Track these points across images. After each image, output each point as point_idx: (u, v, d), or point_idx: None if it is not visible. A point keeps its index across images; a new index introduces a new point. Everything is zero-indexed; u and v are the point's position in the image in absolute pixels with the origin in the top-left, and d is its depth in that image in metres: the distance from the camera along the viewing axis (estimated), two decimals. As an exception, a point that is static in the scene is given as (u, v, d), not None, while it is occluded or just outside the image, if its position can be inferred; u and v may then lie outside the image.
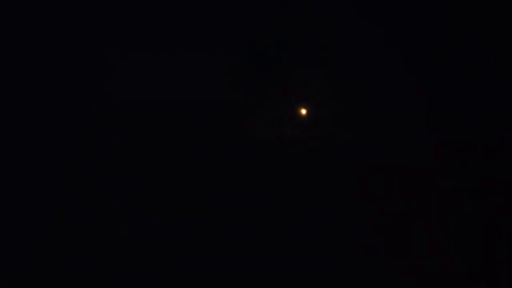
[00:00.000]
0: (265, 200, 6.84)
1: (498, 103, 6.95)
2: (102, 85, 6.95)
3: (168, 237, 6.75)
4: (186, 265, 6.71)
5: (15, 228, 6.70)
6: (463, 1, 6.95)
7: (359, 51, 7.01)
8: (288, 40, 7.01)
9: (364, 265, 6.76)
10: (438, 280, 6.72)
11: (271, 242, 6.79)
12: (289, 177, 6.89)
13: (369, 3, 7.02)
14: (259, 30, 7.00)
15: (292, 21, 7.02)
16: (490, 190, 6.86)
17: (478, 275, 6.76)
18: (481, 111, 6.96)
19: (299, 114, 6.95)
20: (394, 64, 7.00)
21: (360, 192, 6.87)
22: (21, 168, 6.82)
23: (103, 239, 6.73)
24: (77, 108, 6.93)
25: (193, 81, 6.99)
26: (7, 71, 6.91)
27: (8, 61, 6.91)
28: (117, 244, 6.73)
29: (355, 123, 6.97)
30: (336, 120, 6.97)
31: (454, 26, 6.99)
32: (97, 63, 6.97)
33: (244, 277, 6.70)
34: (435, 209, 6.87)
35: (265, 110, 6.96)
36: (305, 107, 6.94)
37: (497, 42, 6.97)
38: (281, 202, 6.85)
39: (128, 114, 6.94)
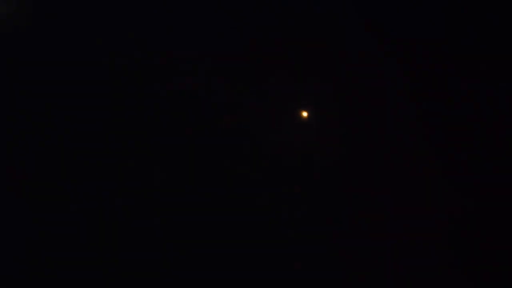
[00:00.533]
0: (264, 202, 6.85)
1: (498, 103, 6.96)
2: (101, 83, 6.96)
3: (164, 238, 6.75)
4: (185, 266, 6.73)
5: (15, 228, 6.71)
6: (463, 1, 6.95)
7: (359, 51, 7.01)
8: (288, 40, 7.00)
9: (364, 265, 6.77)
10: (437, 281, 6.73)
11: (270, 243, 6.79)
12: (290, 179, 6.90)
13: (369, 3, 7.02)
14: (259, 30, 7.00)
15: (292, 21, 7.01)
16: (490, 190, 6.87)
17: (477, 276, 6.77)
18: (481, 111, 6.97)
19: (300, 116, 6.96)
20: (395, 64, 7.00)
21: (361, 192, 6.88)
22: (20, 168, 6.83)
23: (103, 239, 6.74)
24: (76, 108, 6.94)
25: (192, 81, 6.99)
26: (6, 71, 6.92)
27: (7, 61, 6.92)
28: (116, 244, 6.74)
29: (356, 124, 6.97)
30: (337, 121, 6.98)
31: (454, 26, 7.00)
32: (96, 63, 6.98)
33: (244, 277, 6.71)
34: (435, 210, 6.88)
35: (265, 111, 6.96)
36: (305, 109, 6.94)
37: (497, 42, 6.98)
38: (281, 204, 6.85)
39: (127, 113, 6.95)
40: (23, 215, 6.75)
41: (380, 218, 6.85)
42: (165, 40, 7.00)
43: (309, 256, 6.77)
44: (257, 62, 7.01)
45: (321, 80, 7.00)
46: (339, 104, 7.00)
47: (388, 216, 6.85)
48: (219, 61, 6.99)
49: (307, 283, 6.73)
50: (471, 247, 6.81)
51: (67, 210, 6.79)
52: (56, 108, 6.92)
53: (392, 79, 6.99)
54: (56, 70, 6.95)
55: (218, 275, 6.72)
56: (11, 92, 6.91)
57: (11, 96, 6.90)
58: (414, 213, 6.86)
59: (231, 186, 6.86)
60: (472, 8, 6.97)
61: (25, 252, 6.68)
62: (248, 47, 7.02)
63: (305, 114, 6.94)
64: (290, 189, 6.87)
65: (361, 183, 6.90)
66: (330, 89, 7.00)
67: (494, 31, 6.97)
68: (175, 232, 6.78)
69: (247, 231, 6.79)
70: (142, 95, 6.97)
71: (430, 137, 6.99)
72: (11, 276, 6.62)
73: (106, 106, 6.93)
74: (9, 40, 6.91)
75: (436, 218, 6.87)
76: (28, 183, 6.80)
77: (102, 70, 6.95)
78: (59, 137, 6.89)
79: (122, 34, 6.98)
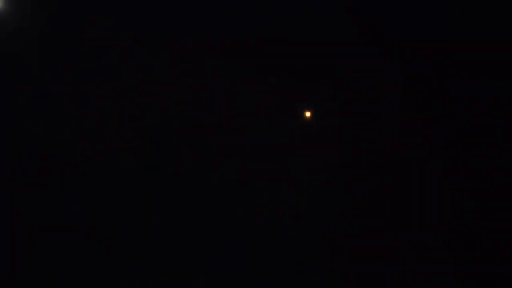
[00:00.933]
0: (265, 202, 6.86)
1: (498, 103, 6.97)
2: (101, 83, 6.96)
3: (164, 238, 6.75)
4: (184, 266, 6.73)
5: (14, 228, 6.71)
6: (463, 1, 6.96)
7: (359, 51, 7.02)
8: (288, 40, 7.01)
9: (363, 266, 6.78)
10: (437, 280, 6.74)
11: (270, 244, 6.79)
12: (292, 179, 6.90)
13: (369, 3, 7.02)
14: (259, 30, 7.00)
15: (292, 21, 7.02)
16: (489, 190, 6.88)
17: (477, 275, 6.78)
18: (481, 111, 6.98)
19: (300, 116, 6.96)
20: (395, 64, 7.01)
21: (361, 193, 6.88)
22: (19, 168, 6.83)
23: (102, 240, 6.74)
24: (75, 109, 6.93)
25: (192, 81, 6.99)
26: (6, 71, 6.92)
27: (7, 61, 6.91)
28: (116, 246, 6.74)
29: (356, 123, 6.98)
30: (338, 121, 6.98)
31: (454, 26, 7.01)
32: (96, 62, 6.97)
33: (244, 277, 6.72)
34: (436, 210, 6.88)
35: (266, 111, 6.96)
36: (306, 109, 6.94)
37: (497, 42, 6.99)
38: (282, 203, 6.86)
39: (126, 113, 6.94)
40: (23, 215, 6.74)
41: (380, 217, 6.85)
42: (166, 41, 6.99)
43: (309, 256, 6.77)
44: (257, 62, 7.01)
45: (321, 80, 7.01)
46: (339, 104, 7.01)
47: (388, 215, 6.85)
48: (219, 61, 6.99)
49: (307, 283, 6.73)
50: (470, 246, 6.82)
51: (66, 210, 6.78)
52: (56, 108, 6.92)
53: (392, 79, 7.00)
54: (55, 70, 6.95)
55: (218, 275, 6.73)
56: (11, 92, 6.91)
57: (11, 96, 6.90)
58: (414, 213, 6.87)
59: (231, 188, 6.86)
60: (472, 8, 6.98)
61: (25, 252, 6.67)
62: (248, 47, 7.02)
63: (306, 114, 6.94)
64: (290, 189, 6.87)
65: (360, 183, 6.91)
66: (330, 89, 7.01)
67: (494, 31, 6.98)
68: (175, 232, 6.78)
69: (247, 231, 6.79)
70: (140, 95, 6.97)
71: (430, 137, 7.00)
72: (11, 276, 6.62)
73: (106, 106, 6.92)
74: (8, 39, 6.91)
75: (436, 218, 6.87)
76: (28, 183, 6.79)
77: (103, 69, 6.95)
78: (58, 137, 6.89)
79: (122, 34, 6.98)
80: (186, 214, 6.80)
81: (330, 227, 6.85)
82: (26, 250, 6.66)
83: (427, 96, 7.04)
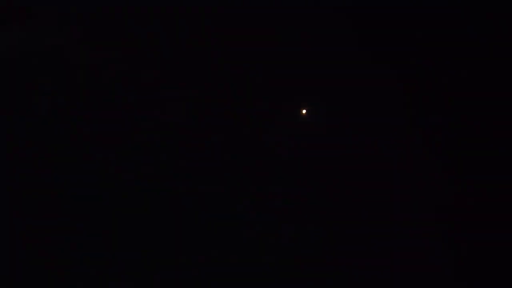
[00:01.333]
0: (263, 201, 6.86)
1: (498, 103, 6.97)
2: (102, 82, 6.98)
3: (163, 238, 6.76)
4: (182, 266, 6.74)
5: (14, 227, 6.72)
6: (464, 2, 6.96)
7: (359, 50, 7.02)
8: (288, 40, 7.02)
9: (362, 266, 6.78)
10: (435, 279, 6.74)
11: (269, 244, 6.80)
12: (289, 178, 6.90)
13: (369, 4, 7.03)
14: (258, 30, 7.02)
15: (291, 20, 7.03)
16: (489, 190, 6.88)
17: (475, 275, 6.78)
18: (481, 111, 6.98)
19: (299, 114, 6.96)
20: (395, 63, 7.01)
21: (360, 192, 6.88)
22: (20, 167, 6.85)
23: (101, 240, 6.75)
24: (75, 109, 6.95)
25: (192, 81, 7.00)
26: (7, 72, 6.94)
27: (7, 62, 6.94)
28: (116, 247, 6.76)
29: (355, 123, 6.98)
30: (337, 120, 6.99)
31: (455, 27, 7.01)
32: (94, 64, 6.99)
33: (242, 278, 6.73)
34: (435, 209, 6.89)
35: (265, 110, 6.97)
36: (305, 107, 6.95)
37: (496, 43, 6.99)
38: (281, 203, 6.86)
39: (127, 113, 6.96)
40: (23, 215, 6.76)
41: (381, 218, 6.85)
42: (166, 40, 7.01)
43: (308, 254, 6.78)
44: (256, 62, 7.01)
45: (321, 80, 7.02)
46: (339, 103, 7.01)
47: (388, 217, 6.85)
48: (218, 61, 7.00)
49: (307, 283, 6.74)
50: (470, 246, 6.82)
51: (65, 210, 6.80)
52: (56, 109, 6.94)
53: (393, 78, 7.01)
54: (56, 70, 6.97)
55: (217, 275, 6.73)
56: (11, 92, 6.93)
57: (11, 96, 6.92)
58: (414, 214, 6.87)
59: (229, 187, 6.87)
60: (472, 7, 6.98)
61: (25, 253, 6.69)
62: (247, 47, 7.03)
63: (304, 112, 6.95)
64: (289, 189, 6.88)
65: (360, 182, 6.91)
66: (329, 89, 7.01)
67: (494, 31, 6.98)
68: (173, 232, 6.79)
69: (246, 231, 6.80)
70: (140, 95, 6.98)
71: (431, 137, 7.00)
72: (11, 276, 6.63)
73: (107, 106, 6.94)
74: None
75: (436, 217, 6.88)
76: (28, 183, 6.81)
77: (104, 68, 6.97)
78: (59, 137, 6.91)
79: (120, 33, 7.00)
80: (186, 214, 6.81)
81: (330, 227, 6.85)
82: (26, 250, 6.68)
83: (427, 96, 7.05)
